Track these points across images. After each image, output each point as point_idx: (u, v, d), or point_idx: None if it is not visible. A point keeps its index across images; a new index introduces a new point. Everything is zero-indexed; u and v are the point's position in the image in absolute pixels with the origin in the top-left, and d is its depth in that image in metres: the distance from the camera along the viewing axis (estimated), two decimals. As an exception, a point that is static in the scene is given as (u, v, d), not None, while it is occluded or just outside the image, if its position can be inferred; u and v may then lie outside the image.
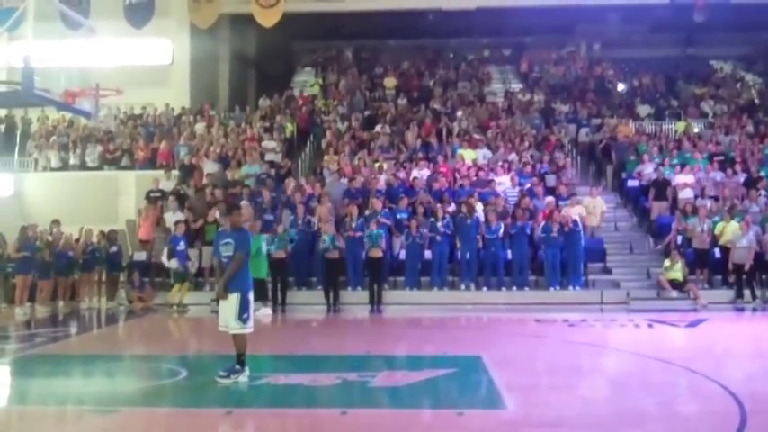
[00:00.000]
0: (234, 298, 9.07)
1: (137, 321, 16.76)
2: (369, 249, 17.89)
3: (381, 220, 18.38)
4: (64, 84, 13.31)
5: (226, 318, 9.13)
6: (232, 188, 21.10)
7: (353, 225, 18.25)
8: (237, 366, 9.08)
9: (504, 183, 20.68)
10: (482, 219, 18.79)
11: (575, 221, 18.47)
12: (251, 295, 9.20)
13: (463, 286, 18.52)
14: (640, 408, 8.12)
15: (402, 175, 21.25)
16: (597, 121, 26.43)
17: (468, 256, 18.52)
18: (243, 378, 9.04)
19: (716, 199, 19.99)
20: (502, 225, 18.63)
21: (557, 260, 18.48)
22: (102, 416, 7.86)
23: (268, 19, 26.84)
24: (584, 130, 26.12)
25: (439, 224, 18.41)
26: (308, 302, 18.09)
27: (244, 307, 9.06)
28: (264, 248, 16.80)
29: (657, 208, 20.41)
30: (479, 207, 19.13)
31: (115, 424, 7.60)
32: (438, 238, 18.38)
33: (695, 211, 18.96)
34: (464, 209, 18.74)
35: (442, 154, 22.96)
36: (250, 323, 9.12)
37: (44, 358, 11.74)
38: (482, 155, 22.76)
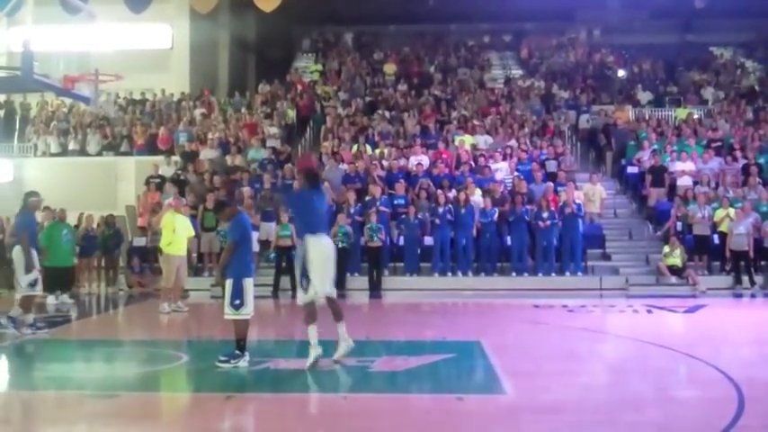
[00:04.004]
0: (227, 284, 9.10)
1: (136, 306, 16.78)
2: (367, 240, 17.95)
3: (381, 209, 18.39)
4: (63, 69, 13.25)
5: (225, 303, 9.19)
6: (232, 174, 21.14)
7: (351, 211, 18.30)
8: (237, 351, 9.08)
9: (502, 168, 20.68)
10: (480, 204, 18.81)
11: (578, 205, 18.50)
12: (246, 282, 9.13)
13: (460, 273, 18.57)
14: (639, 393, 8.15)
15: (402, 161, 21.25)
16: (597, 108, 26.42)
17: (464, 242, 18.56)
18: (242, 363, 9.03)
19: (716, 186, 19.99)
20: (496, 210, 18.65)
21: (550, 247, 18.53)
22: (101, 400, 7.88)
23: (268, 4, 26.71)
24: (584, 117, 26.13)
25: (440, 209, 18.43)
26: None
27: (236, 293, 9.04)
28: (65, 238, 16.52)
29: (655, 194, 20.42)
30: (477, 192, 19.15)
31: (115, 409, 7.61)
32: (437, 221, 18.40)
33: (694, 198, 18.98)
34: (461, 197, 18.72)
35: (442, 140, 22.93)
36: (245, 309, 9.06)
37: (44, 343, 11.75)
38: (482, 141, 22.77)
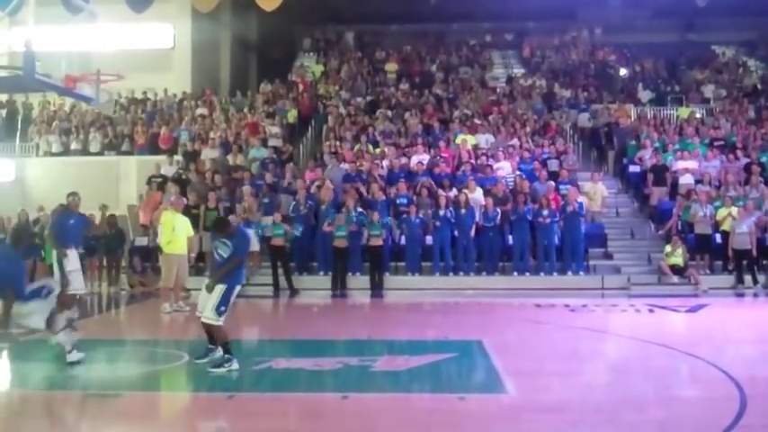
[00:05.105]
0: (219, 289, 9.03)
1: (138, 306, 16.79)
2: (369, 239, 17.93)
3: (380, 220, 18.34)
4: (65, 69, 13.24)
5: (204, 305, 9.13)
6: (234, 173, 21.16)
7: (352, 210, 18.26)
8: (227, 356, 9.00)
9: (504, 167, 20.67)
10: (481, 202, 18.77)
11: (580, 204, 18.48)
12: (236, 291, 9.16)
13: (462, 273, 18.55)
14: (641, 392, 8.15)
15: (403, 160, 21.23)
16: (598, 107, 26.40)
17: (464, 242, 18.54)
18: (235, 365, 8.92)
19: (718, 184, 19.96)
20: (499, 212, 18.61)
21: (552, 246, 18.49)
22: (104, 400, 7.89)
23: (269, 3, 26.71)
24: (585, 116, 26.10)
25: (441, 212, 18.39)
26: (309, 288, 18.12)
27: (224, 300, 9.01)
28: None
29: (657, 193, 20.40)
30: (479, 191, 19.13)
31: (117, 408, 7.63)
32: (437, 224, 18.38)
33: (696, 196, 18.94)
34: (461, 198, 18.65)
35: (444, 139, 22.91)
36: (223, 317, 9.03)
37: (45, 343, 11.74)
38: (484, 140, 22.75)
